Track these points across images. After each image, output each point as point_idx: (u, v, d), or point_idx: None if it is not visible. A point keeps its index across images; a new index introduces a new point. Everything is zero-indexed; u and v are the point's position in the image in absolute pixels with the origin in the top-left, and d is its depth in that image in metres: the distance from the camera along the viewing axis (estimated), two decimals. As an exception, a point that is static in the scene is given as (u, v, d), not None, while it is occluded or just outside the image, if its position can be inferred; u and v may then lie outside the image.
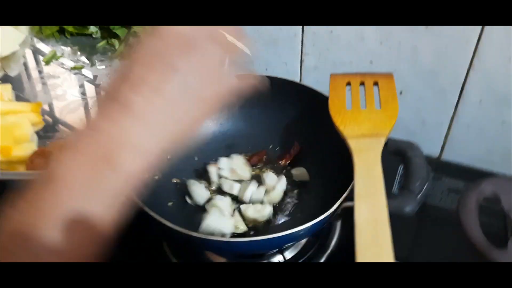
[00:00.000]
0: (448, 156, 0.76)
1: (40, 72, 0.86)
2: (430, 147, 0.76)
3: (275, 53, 0.81)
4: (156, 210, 0.46)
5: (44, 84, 0.84)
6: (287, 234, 0.42)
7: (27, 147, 0.61)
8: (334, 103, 0.55)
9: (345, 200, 0.46)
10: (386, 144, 0.52)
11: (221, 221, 0.51)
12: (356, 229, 0.40)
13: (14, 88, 0.76)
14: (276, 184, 0.59)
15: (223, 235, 0.51)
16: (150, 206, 0.46)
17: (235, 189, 0.58)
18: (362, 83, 0.58)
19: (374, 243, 0.39)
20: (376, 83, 0.57)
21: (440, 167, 0.73)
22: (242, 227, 0.55)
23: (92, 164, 0.31)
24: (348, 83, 0.58)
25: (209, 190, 0.60)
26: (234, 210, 0.57)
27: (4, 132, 0.59)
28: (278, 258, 0.55)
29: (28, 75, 0.86)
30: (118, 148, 0.32)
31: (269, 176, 0.60)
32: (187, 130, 0.37)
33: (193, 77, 0.35)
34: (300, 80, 0.82)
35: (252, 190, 0.58)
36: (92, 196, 0.31)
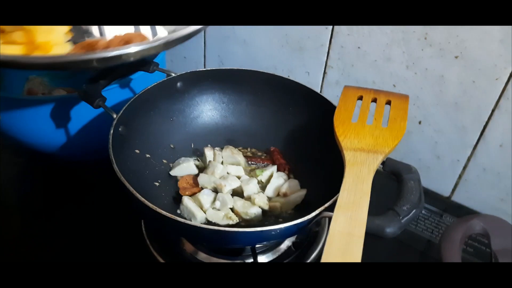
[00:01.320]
0: (458, 198, 0.72)
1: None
2: (442, 185, 0.73)
3: (299, 61, 0.80)
4: (137, 187, 0.45)
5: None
6: (256, 231, 0.40)
7: (63, 48, 0.59)
8: (340, 113, 0.53)
9: (326, 209, 0.43)
10: (383, 164, 0.50)
11: (196, 210, 0.50)
12: (328, 238, 0.38)
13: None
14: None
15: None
16: (131, 182, 0.44)
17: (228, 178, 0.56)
18: (374, 100, 0.56)
19: (342, 256, 0.36)
20: (389, 102, 0.55)
21: (449, 208, 0.70)
22: (235, 218, 0.52)
23: None
24: (360, 98, 0.56)
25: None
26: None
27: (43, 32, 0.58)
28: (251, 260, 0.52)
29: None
30: None
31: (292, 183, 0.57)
32: None
33: None
34: (321, 91, 0.80)
35: (253, 189, 0.55)
36: None
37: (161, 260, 0.53)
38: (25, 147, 0.66)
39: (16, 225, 0.62)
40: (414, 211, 0.41)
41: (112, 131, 0.48)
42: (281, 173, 0.58)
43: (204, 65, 0.94)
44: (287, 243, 0.55)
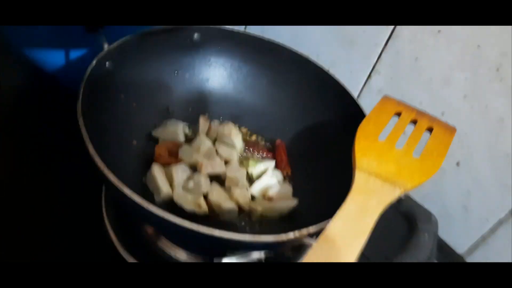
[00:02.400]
0: (473, 260, 0.61)
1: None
2: (459, 241, 0.62)
3: (345, 56, 0.70)
4: (106, 141, 0.37)
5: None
6: (213, 236, 0.31)
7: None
8: (368, 124, 0.44)
9: (311, 235, 0.34)
10: (399, 202, 0.40)
11: (162, 183, 0.41)
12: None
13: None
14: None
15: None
16: (99, 132, 0.36)
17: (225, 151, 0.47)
18: (413, 122, 0.46)
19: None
20: (430, 130, 0.45)
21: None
22: (204, 208, 0.44)
23: None
24: (398, 114, 0.46)
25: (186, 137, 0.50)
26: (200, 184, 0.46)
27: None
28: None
29: None
30: None
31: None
32: None
33: None
34: (358, 97, 0.70)
35: (236, 181, 0.46)
36: None
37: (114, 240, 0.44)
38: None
39: None
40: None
41: (94, 62, 0.40)
42: (277, 172, 0.48)
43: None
44: (259, 254, 0.47)
